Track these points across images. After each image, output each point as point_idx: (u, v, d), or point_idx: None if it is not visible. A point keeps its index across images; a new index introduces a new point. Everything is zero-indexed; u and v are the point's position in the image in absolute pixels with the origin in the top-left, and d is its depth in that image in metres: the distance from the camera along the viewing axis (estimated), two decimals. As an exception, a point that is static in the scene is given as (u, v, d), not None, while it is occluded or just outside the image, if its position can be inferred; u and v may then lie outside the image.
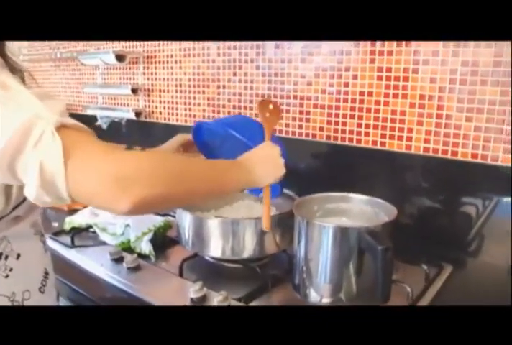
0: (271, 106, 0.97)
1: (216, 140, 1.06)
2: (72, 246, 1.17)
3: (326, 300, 0.83)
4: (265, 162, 0.84)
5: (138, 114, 1.83)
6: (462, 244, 1.15)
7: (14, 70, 0.69)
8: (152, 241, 1.13)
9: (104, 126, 1.94)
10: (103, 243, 1.18)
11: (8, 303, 0.71)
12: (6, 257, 0.72)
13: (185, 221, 1.05)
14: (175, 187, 0.65)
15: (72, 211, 1.38)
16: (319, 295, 0.83)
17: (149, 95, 1.83)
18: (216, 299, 0.85)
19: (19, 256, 0.73)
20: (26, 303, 0.74)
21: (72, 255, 1.13)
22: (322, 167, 1.36)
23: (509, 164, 1.06)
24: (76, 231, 1.22)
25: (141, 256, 1.10)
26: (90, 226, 1.24)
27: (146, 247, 1.12)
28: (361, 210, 0.92)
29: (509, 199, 1.06)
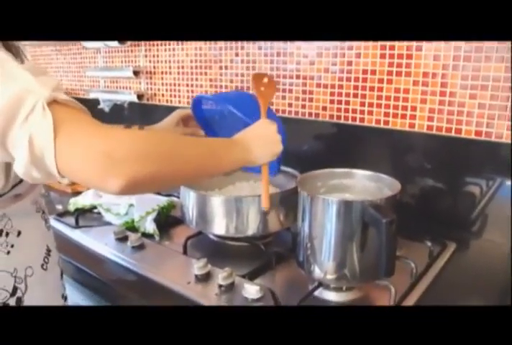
0: (265, 80, 0.95)
1: (215, 115, 1.05)
2: (77, 226, 1.17)
3: (330, 277, 0.83)
4: (262, 140, 0.83)
5: (140, 97, 1.81)
6: (465, 223, 1.15)
7: (7, 45, 0.68)
8: (156, 220, 1.14)
9: (106, 109, 1.93)
10: (108, 223, 1.18)
11: (11, 279, 0.71)
12: (7, 234, 0.71)
13: (189, 199, 1.04)
14: (168, 167, 0.64)
15: (76, 193, 1.38)
16: (323, 271, 0.83)
17: (151, 78, 1.81)
18: (221, 275, 0.85)
19: (19, 233, 0.73)
20: (29, 280, 0.74)
21: (77, 235, 1.13)
22: (326, 147, 1.35)
23: (512, 142, 1.05)
24: (80, 212, 1.22)
25: (145, 235, 1.10)
26: (95, 207, 1.24)
27: (150, 226, 1.12)
28: (364, 186, 0.91)
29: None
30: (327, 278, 0.83)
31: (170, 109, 1.72)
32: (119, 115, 1.92)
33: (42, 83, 0.59)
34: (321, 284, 0.86)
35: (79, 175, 0.58)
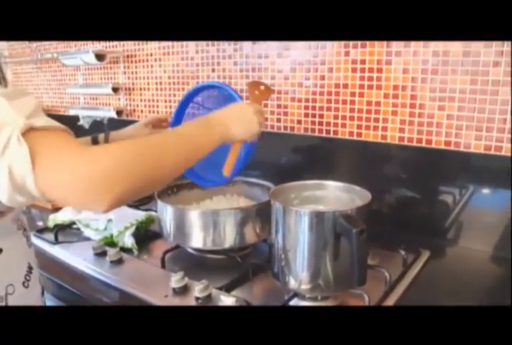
0: (262, 87, 0.96)
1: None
2: (56, 242, 1.16)
3: (304, 287, 0.83)
4: (239, 118, 0.82)
5: (119, 113, 1.82)
6: (439, 230, 1.16)
7: None
8: (135, 235, 1.14)
9: (86, 126, 1.92)
10: (87, 238, 1.18)
11: None
12: None
13: (167, 213, 1.05)
14: (155, 172, 0.63)
15: (57, 209, 1.37)
16: (298, 281, 0.83)
17: (130, 94, 1.82)
18: (198, 288, 0.85)
19: (1, 251, 0.72)
20: (10, 298, 0.72)
21: (56, 251, 1.12)
22: (301, 160, 1.36)
23: (480, 152, 1.07)
24: (60, 228, 1.21)
25: (124, 250, 1.10)
26: (74, 223, 1.23)
27: (128, 241, 1.11)
28: (337, 197, 0.92)
29: (486, 188, 1.08)
30: (302, 288, 0.83)
31: (149, 125, 1.75)
32: (98, 131, 1.89)
33: (17, 110, 0.58)
34: (296, 294, 0.87)
35: (64, 198, 0.58)
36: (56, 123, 0.61)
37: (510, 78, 1.01)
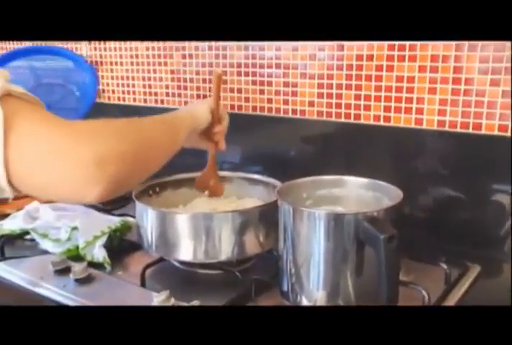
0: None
1: None
2: (3, 258, 1.16)
3: (321, 308, 0.84)
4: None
5: (85, 94, 1.82)
6: (492, 240, 1.17)
7: None
8: (107, 246, 1.14)
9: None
10: (45, 252, 1.18)
11: None
12: None
13: (147, 218, 1.06)
14: (144, 155, 0.72)
15: (3, 216, 1.37)
16: (312, 302, 0.85)
17: (97, 70, 1.82)
18: (187, 311, 0.86)
19: None
20: None
21: (2, 270, 1.12)
22: (314, 151, 1.37)
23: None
24: (7, 239, 1.22)
25: (93, 265, 1.10)
26: (27, 233, 1.24)
27: (99, 254, 1.12)
28: (359, 196, 0.93)
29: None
30: (317, 310, 0.85)
31: (124, 108, 1.77)
32: (58, 117, 1.92)
33: None
34: (310, 318, 0.88)
35: (45, 186, 0.60)
36: (36, 98, 0.63)
37: None
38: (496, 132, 1.13)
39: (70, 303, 0.98)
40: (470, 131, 1.16)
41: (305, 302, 0.86)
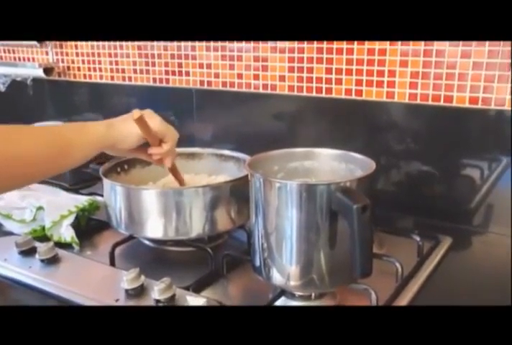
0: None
1: None
2: (-38, 241, 1.13)
3: (294, 282, 0.83)
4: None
5: (48, 71, 1.77)
6: (463, 213, 1.18)
7: None
8: (74, 226, 1.13)
9: (2, 88, 1.88)
10: (9, 233, 1.16)
11: None
12: None
13: (115, 196, 1.04)
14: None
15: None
16: (285, 276, 0.83)
17: (61, 46, 1.78)
18: (157, 288, 0.84)
19: None
20: None
21: (-37, 253, 1.09)
22: (285, 127, 1.37)
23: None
24: (-33, 222, 1.19)
25: (60, 245, 1.08)
26: (-12, 214, 1.21)
27: (67, 233, 1.11)
28: (332, 168, 0.92)
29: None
30: (291, 284, 0.84)
31: (90, 86, 1.73)
32: (20, 95, 1.88)
33: None
34: (283, 292, 0.87)
35: None
36: None
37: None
38: (467, 104, 1.13)
39: (37, 285, 0.96)
40: (441, 103, 1.16)
41: (278, 277, 0.84)
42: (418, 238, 1.04)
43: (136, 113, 0.91)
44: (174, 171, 1.07)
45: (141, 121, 0.91)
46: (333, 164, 0.93)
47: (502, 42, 1.06)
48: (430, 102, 1.17)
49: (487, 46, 1.08)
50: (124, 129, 0.92)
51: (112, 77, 1.69)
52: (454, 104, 1.14)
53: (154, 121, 0.94)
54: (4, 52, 1.96)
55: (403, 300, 0.88)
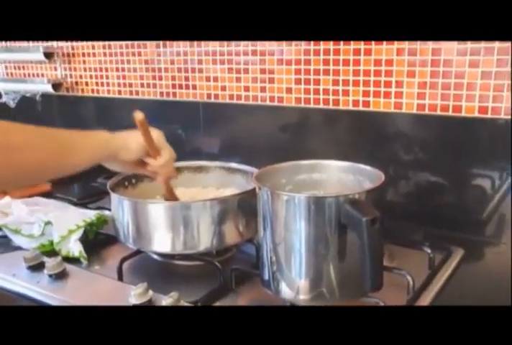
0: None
1: None
2: (-27, 256, 1.14)
3: (303, 296, 0.83)
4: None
5: (56, 86, 1.79)
6: (475, 224, 1.17)
7: None
8: (82, 240, 1.12)
9: (12, 104, 1.89)
10: (17, 248, 1.16)
11: None
12: None
13: (123, 210, 1.04)
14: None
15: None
16: (294, 290, 0.83)
17: (69, 62, 1.80)
18: (165, 302, 0.84)
19: None
20: None
21: (-28, 268, 1.09)
22: (293, 139, 1.36)
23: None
24: (-24, 237, 1.19)
25: (68, 260, 1.08)
26: (-2, 228, 1.21)
27: (75, 248, 1.10)
28: (340, 180, 0.92)
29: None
30: (300, 298, 0.83)
31: (98, 101, 1.74)
32: (29, 111, 1.89)
33: None
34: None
35: None
36: None
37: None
38: (476, 114, 1.12)
39: (45, 300, 0.96)
40: (450, 113, 1.15)
41: (287, 291, 0.84)
42: (429, 250, 1.03)
43: (138, 114, 0.95)
44: (170, 191, 1.08)
45: (143, 124, 0.95)
46: (341, 176, 0.93)
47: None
48: (438, 112, 1.16)
49: (495, 55, 1.08)
50: (128, 138, 0.96)
51: (120, 92, 1.70)
52: (463, 114, 1.13)
53: (154, 131, 0.98)
54: (14, 68, 1.98)
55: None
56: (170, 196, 1.09)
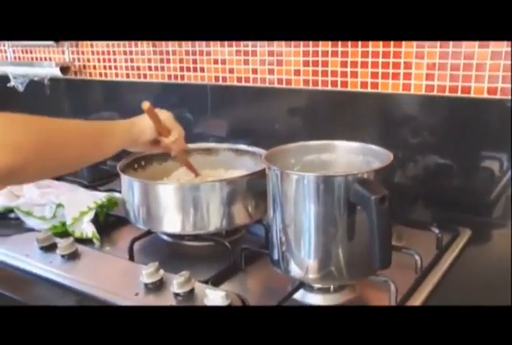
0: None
1: None
2: (-14, 237, 1.15)
3: (312, 275, 0.83)
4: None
5: (64, 70, 1.78)
6: (482, 205, 1.17)
7: None
8: (93, 221, 1.14)
9: (20, 88, 1.89)
10: (30, 229, 1.17)
11: None
12: None
13: (133, 192, 1.05)
14: (43, 157, 0.77)
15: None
16: (303, 268, 0.83)
17: (77, 45, 1.79)
18: (176, 282, 0.85)
19: None
20: None
21: (-13, 248, 1.11)
22: (301, 121, 1.36)
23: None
24: (-10, 218, 1.21)
25: (80, 240, 1.10)
26: (11, 211, 1.23)
27: (88, 229, 1.12)
28: (349, 160, 0.92)
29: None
30: (309, 277, 0.84)
31: (106, 84, 1.74)
32: (38, 95, 1.90)
33: None
34: (302, 284, 0.87)
35: None
36: None
37: None
38: (486, 95, 1.12)
39: (57, 280, 0.97)
40: (459, 94, 1.15)
41: (296, 270, 0.85)
42: (437, 231, 1.04)
43: (145, 103, 1.02)
44: (187, 164, 1.17)
45: (151, 111, 1.03)
46: (350, 157, 0.93)
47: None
48: (447, 93, 1.16)
49: (505, 34, 1.07)
50: (141, 123, 1.03)
51: (127, 75, 1.69)
52: (472, 95, 1.13)
53: (162, 113, 1.06)
54: (22, 52, 1.98)
55: (423, 293, 0.87)
56: (189, 168, 1.16)
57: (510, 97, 1.09)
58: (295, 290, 0.87)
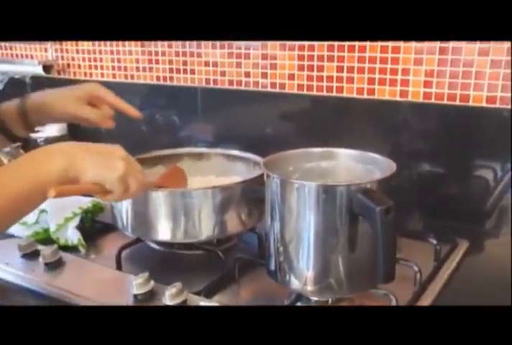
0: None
1: None
2: (-36, 244, 1.13)
3: (311, 287, 0.83)
4: (95, 153, 0.76)
5: (47, 68, 1.77)
6: (479, 215, 1.17)
7: None
8: (79, 228, 1.12)
9: (0, 86, 1.87)
10: (11, 236, 1.14)
11: None
12: None
13: (121, 197, 1.03)
14: None
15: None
16: (302, 280, 0.83)
17: (61, 43, 1.77)
18: (168, 293, 0.84)
19: None
20: None
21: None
22: (294, 126, 1.36)
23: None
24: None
25: (64, 248, 1.08)
26: (-9, 216, 1.20)
27: (73, 236, 1.11)
28: (349, 168, 0.92)
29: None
30: (307, 289, 0.83)
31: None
32: (18, 93, 1.84)
33: None
34: (299, 297, 0.86)
35: None
36: None
37: None
38: (484, 104, 1.12)
39: (39, 290, 0.95)
40: (457, 102, 1.15)
41: (294, 282, 0.84)
42: (434, 242, 1.04)
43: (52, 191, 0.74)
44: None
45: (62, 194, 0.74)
46: (350, 165, 0.92)
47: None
48: (445, 101, 1.16)
49: (505, 43, 1.07)
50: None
51: (114, 75, 1.68)
52: (471, 103, 1.13)
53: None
54: (2, 48, 1.95)
55: (423, 305, 0.87)
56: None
57: (509, 106, 1.09)
58: (293, 302, 0.86)
